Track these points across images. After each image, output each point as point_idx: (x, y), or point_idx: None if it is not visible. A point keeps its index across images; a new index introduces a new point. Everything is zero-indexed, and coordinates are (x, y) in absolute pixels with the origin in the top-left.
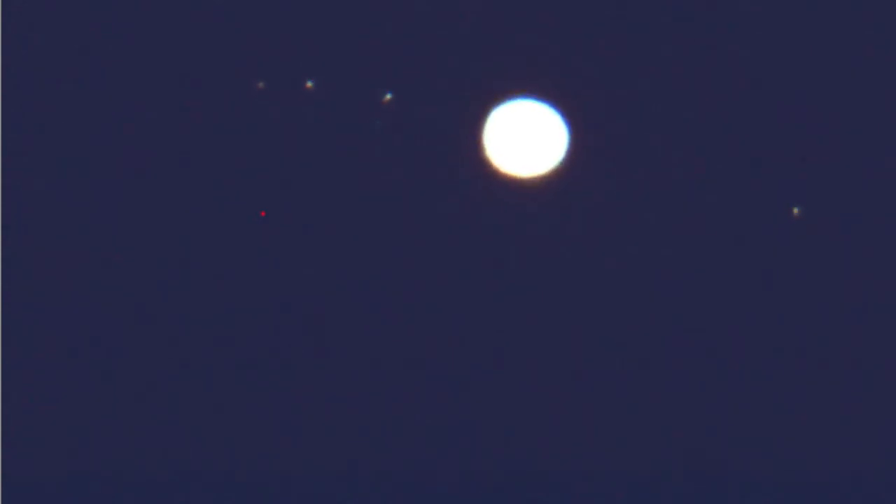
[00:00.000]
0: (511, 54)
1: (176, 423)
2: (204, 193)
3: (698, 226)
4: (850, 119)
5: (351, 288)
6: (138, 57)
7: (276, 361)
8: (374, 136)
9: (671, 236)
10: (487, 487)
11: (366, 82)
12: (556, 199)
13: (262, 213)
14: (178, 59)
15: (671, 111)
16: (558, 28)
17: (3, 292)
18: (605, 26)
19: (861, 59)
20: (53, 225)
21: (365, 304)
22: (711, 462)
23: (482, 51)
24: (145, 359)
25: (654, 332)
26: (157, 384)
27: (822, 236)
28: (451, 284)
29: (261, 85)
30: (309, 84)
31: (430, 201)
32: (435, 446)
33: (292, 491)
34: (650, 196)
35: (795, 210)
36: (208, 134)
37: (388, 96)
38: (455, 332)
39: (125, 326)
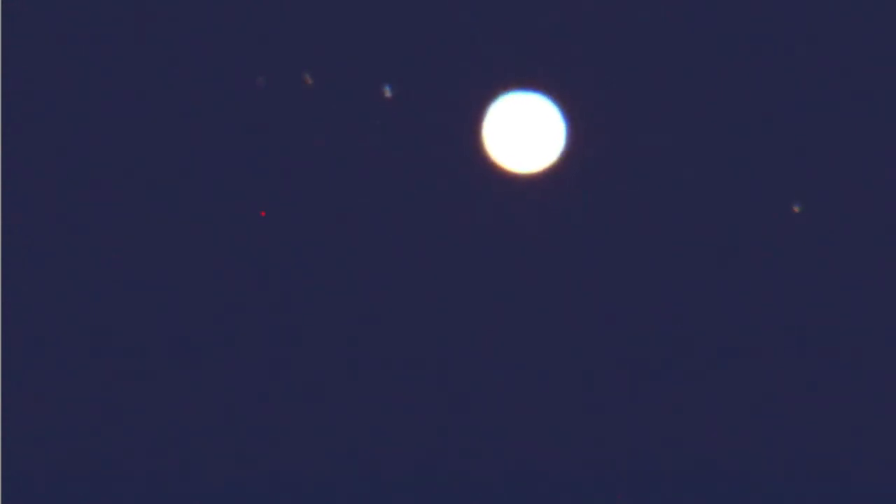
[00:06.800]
0: (509, 49)
1: (176, 424)
2: (203, 192)
3: (698, 220)
4: (850, 116)
5: (348, 284)
6: (137, 54)
7: (276, 361)
8: (373, 131)
9: (670, 231)
10: (487, 487)
11: (364, 77)
12: (555, 194)
13: (262, 213)
14: (176, 56)
15: (670, 106)
16: (557, 22)
17: (3, 292)
18: (604, 20)
19: (861, 59)
20: (53, 224)
21: (362, 300)
22: (711, 462)
23: (480, 45)
24: (145, 359)
25: (654, 328)
26: (158, 384)
27: (822, 233)
28: (450, 280)
29: (260, 81)
30: (308, 80)
31: (427, 196)
32: (434, 446)
33: (292, 491)
34: (649, 191)
35: (796, 208)
36: (208, 132)
37: (387, 91)
38: (453, 327)
39: (125, 326)
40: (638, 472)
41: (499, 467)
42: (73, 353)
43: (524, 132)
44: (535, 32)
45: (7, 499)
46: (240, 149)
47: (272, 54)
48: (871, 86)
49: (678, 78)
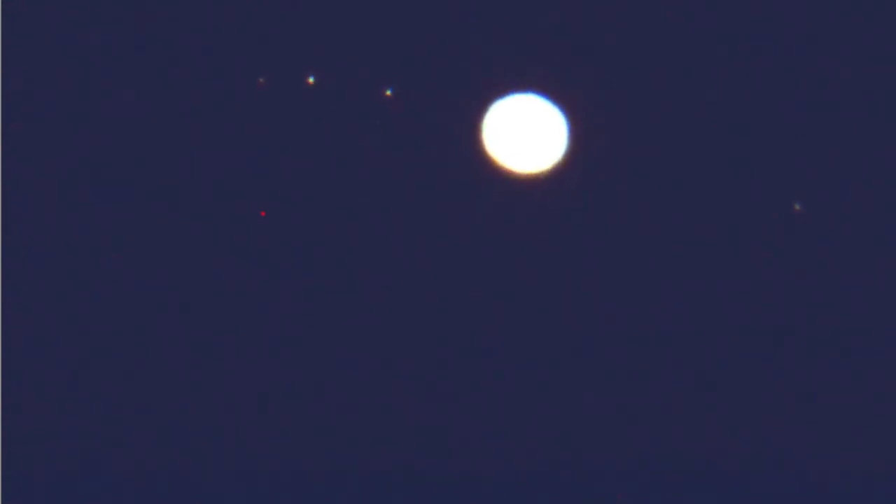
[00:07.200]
0: (510, 49)
1: (176, 424)
2: (203, 192)
3: (699, 221)
4: (850, 116)
5: (349, 284)
6: (138, 53)
7: (276, 361)
8: (373, 132)
9: (672, 232)
10: (487, 487)
11: (365, 77)
12: (556, 196)
13: (262, 213)
14: (177, 55)
15: (671, 107)
16: (558, 23)
17: (3, 292)
18: (606, 21)
19: (861, 59)
20: (53, 224)
21: (362, 300)
22: (711, 462)
23: (482, 46)
24: (145, 359)
25: (654, 328)
26: (158, 384)
27: (823, 232)
28: (450, 281)
29: (262, 81)
30: (310, 80)
31: (428, 197)
32: (434, 446)
33: (292, 491)
34: (650, 192)
35: (797, 206)
36: (209, 131)
37: (388, 92)
38: (453, 328)
39: (125, 326)
40: (638, 472)
41: (498, 467)
42: (73, 353)
43: (525, 133)
44: (537, 33)
45: (7, 499)
46: (240, 149)
47: (273, 54)
48: (871, 86)
49: (679, 79)
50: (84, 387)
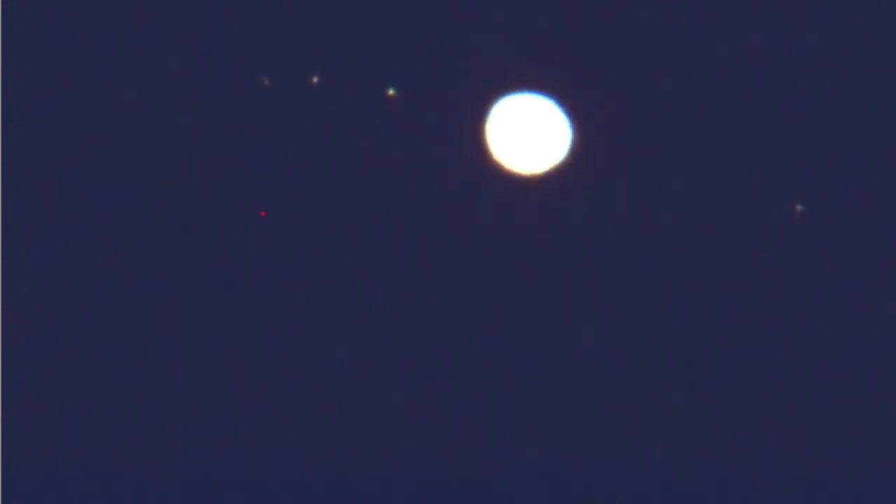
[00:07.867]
0: (513, 49)
1: (175, 424)
2: (204, 192)
3: (701, 221)
4: (850, 116)
5: (350, 284)
6: (142, 53)
7: (276, 361)
8: (376, 132)
9: (673, 232)
10: (487, 487)
11: (367, 78)
12: (559, 196)
13: (262, 213)
14: (178, 55)
15: (673, 107)
16: (562, 23)
17: (3, 292)
18: (609, 21)
19: (861, 58)
20: (54, 224)
21: (364, 300)
22: (711, 462)
23: (485, 46)
24: (145, 359)
25: (655, 328)
26: (158, 384)
27: (824, 233)
28: (452, 280)
29: (265, 81)
30: (314, 79)
31: (431, 197)
32: (434, 446)
33: (292, 491)
34: (652, 192)
35: (798, 207)
36: (210, 131)
37: (392, 91)
38: (455, 328)
39: (125, 327)
40: (638, 472)
41: (499, 467)
42: (73, 353)
43: (528, 133)
44: (539, 33)
45: (7, 499)
46: (242, 148)
47: (276, 54)
48: (871, 86)
49: (681, 79)
50: (84, 387)
